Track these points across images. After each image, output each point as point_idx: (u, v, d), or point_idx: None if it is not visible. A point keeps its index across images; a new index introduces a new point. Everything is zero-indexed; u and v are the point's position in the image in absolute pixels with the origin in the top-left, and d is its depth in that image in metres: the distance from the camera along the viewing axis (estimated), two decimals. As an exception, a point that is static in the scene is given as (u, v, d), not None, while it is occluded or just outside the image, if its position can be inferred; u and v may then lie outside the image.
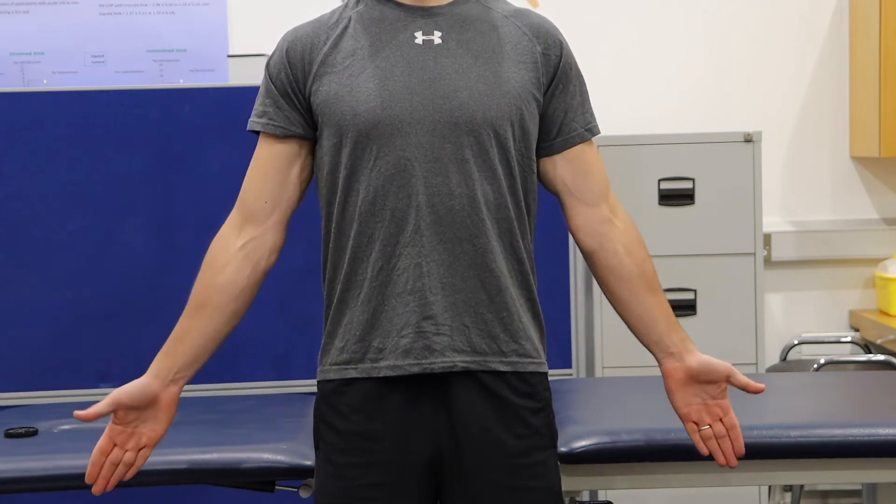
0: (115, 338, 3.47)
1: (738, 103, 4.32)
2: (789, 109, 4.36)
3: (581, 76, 2.15)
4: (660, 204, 3.87)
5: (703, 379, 2.17)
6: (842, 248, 4.34)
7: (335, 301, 2.08)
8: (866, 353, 4.19)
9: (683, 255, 3.87)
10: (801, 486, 4.07)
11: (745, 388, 2.18)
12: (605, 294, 2.22)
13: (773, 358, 4.30)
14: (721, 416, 2.19)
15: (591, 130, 2.15)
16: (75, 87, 3.69)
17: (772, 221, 4.29)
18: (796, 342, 4.30)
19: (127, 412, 2.12)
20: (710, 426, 2.19)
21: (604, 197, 2.17)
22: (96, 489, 2.13)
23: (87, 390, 3.44)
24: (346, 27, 2.08)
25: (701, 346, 3.88)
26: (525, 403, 2.08)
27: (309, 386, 2.91)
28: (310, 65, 2.07)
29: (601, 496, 3.02)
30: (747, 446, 2.43)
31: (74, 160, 3.46)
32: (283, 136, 2.10)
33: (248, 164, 2.18)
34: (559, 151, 2.13)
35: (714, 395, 2.18)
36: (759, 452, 2.43)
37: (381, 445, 2.05)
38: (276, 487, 2.49)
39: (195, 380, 3.43)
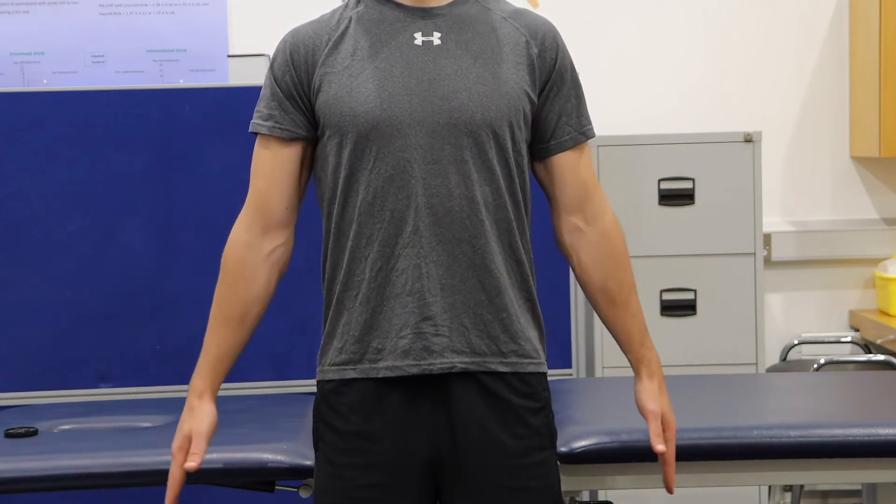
0: (115, 338, 3.47)
1: (737, 103, 4.32)
2: (789, 109, 4.36)
3: (577, 79, 2.15)
4: (660, 204, 3.87)
5: None
6: (842, 248, 4.34)
7: (334, 301, 2.08)
8: (866, 353, 4.19)
9: (683, 255, 3.87)
10: (801, 486, 4.07)
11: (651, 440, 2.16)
12: None
13: (773, 358, 4.30)
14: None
15: (585, 134, 2.15)
16: (75, 87, 3.69)
17: (772, 221, 4.29)
18: (796, 342, 4.30)
19: None
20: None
21: (578, 206, 2.15)
22: None
23: (87, 390, 3.44)
24: (346, 28, 2.08)
25: (701, 346, 3.91)
26: (524, 403, 2.08)
27: (309, 386, 2.91)
28: (312, 66, 2.07)
29: (601, 496, 3.02)
30: (748, 446, 2.43)
31: (74, 160, 3.46)
32: (289, 139, 2.10)
33: (248, 164, 2.17)
34: (548, 156, 2.13)
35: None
36: (759, 452, 2.43)
37: (381, 446, 2.05)
38: (276, 487, 2.50)
39: (195, 380, 3.45)
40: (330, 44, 2.07)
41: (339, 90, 2.04)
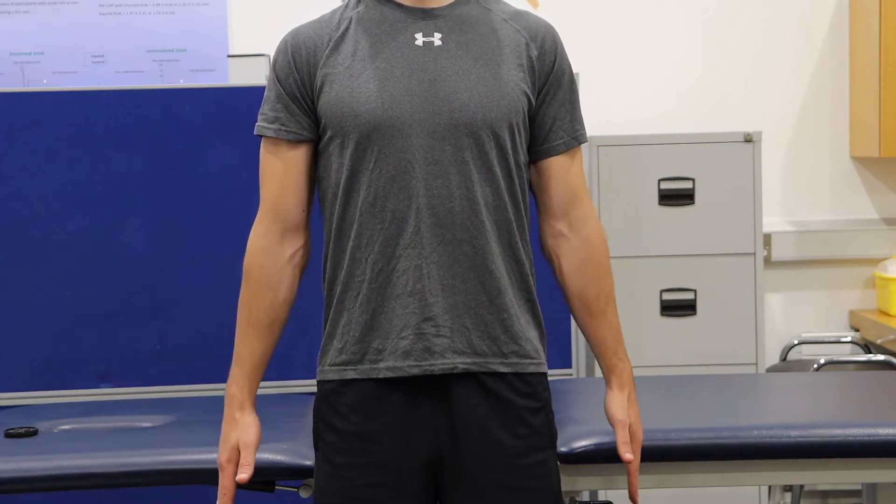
0: (115, 338, 3.47)
1: (737, 103, 4.32)
2: (789, 109, 4.36)
3: (574, 83, 2.15)
4: (660, 204, 3.87)
5: None
6: (842, 248, 4.34)
7: (334, 302, 2.08)
8: (866, 353, 4.19)
9: (683, 255, 3.87)
10: (801, 486, 4.07)
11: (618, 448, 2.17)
12: None
13: (773, 358, 4.30)
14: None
15: (577, 139, 2.14)
16: (75, 87, 3.69)
17: (772, 221, 4.29)
18: (796, 342, 4.30)
19: None
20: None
21: (564, 211, 2.15)
22: None
23: (87, 390, 3.44)
24: (346, 28, 2.08)
25: (701, 346, 3.91)
26: (525, 403, 2.08)
27: (309, 386, 2.91)
28: (314, 67, 2.07)
29: (601, 496, 3.02)
30: (748, 446, 2.43)
31: (74, 160, 3.46)
32: (296, 142, 2.09)
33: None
34: (539, 159, 2.13)
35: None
36: (759, 452, 2.43)
37: (381, 446, 2.05)
38: (276, 487, 2.49)
39: (195, 380, 3.47)
40: (331, 44, 2.07)
41: (341, 90, 2.04)
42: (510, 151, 2.06)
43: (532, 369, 2.09)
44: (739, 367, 3.85)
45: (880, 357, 3.94)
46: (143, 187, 3.48)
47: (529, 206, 2.13)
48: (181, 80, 4.08)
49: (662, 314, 3.87)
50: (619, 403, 2.18)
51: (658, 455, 2.40)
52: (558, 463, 2.18)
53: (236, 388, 2.13)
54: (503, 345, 2.06)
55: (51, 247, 3.46)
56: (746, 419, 2.54)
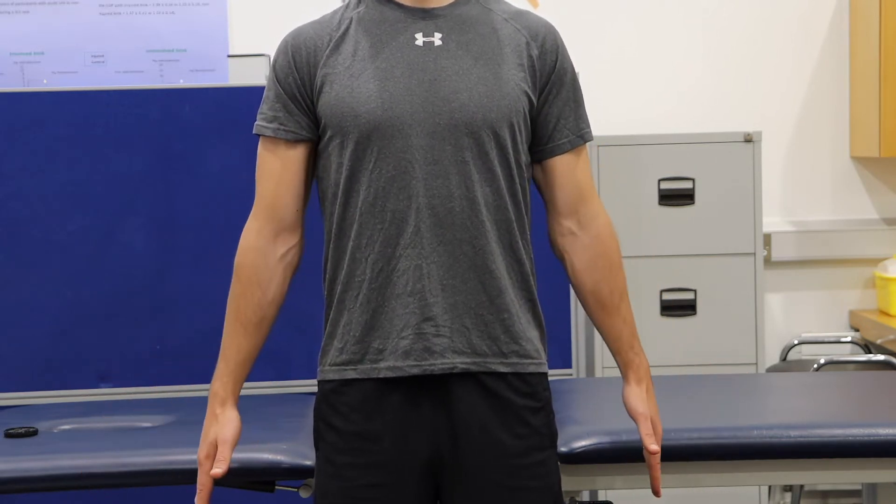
0: (115, 338, 3.47)
1: (737, 103, 4.32)
2: (789, 109, 4.36)
3: (577, 82, 2.15)
4: (660, 204, 3.87)
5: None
6: (842, 248, 4.34)
7: (335, 302, 2.08)
8: (866, 353, 4.19)
9: (683, 255, 3.87)
10: (801, 486, 4.07)
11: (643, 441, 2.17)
12: None
13: (773, 358, 4.30)
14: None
15: (582, 137, 2.14)
16: (75, 87, 3.69)
17: (772, 221, 4.29)
18: (796, 342, 4.30)
19: None
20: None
21: (573, 209, 2.15)
22: None
23: (87, 390, 3.45)
24: (347, 28, 2.08)
25: (701, 346, 3.91)
26: (525, 403, 2.08)
27: (309, 386, 2.91)
28: (314, 67, 2.07)
29: (601, 496, 3.02)
30: (748, 446, 2.43)
31: (74, 160, 3.46)
32: (294, 141, 2.09)
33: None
34: (545, 158, 2.13)
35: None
36: (759, 452, 2.43)
37: (381, 446, 2.05)
38: (276, 487, 2.50)
39: (195, 380, 3.46)
40: (331, 44, 2.07)
41: (341, 90, 2.04)
42: (510, 151, 2.06)
43: (532, 369, 2.09)
44: (739, 367, 3.85)
45: (880, 357, 3.94)
46: (143, 187, 3.48)
47: (530, 206, 2.13)
48: (181, 80, 4.08)
49: (662, 314, 3.87)
50: (638, 397, 2.18)
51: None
52: (558, 463, 2.18)
53: (219, 384, 2.13)
54: (503, 345, 2.06)
55: (51, 247, 3.46)
56: (746, 419, 2.54)
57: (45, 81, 4.06)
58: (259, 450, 2.44)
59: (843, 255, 4.35)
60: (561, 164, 2.13)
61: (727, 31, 4.33)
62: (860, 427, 2.44)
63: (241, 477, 2.43)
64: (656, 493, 2.20)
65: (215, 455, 2.11)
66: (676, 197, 3.86)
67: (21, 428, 2.69)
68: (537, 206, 2.17)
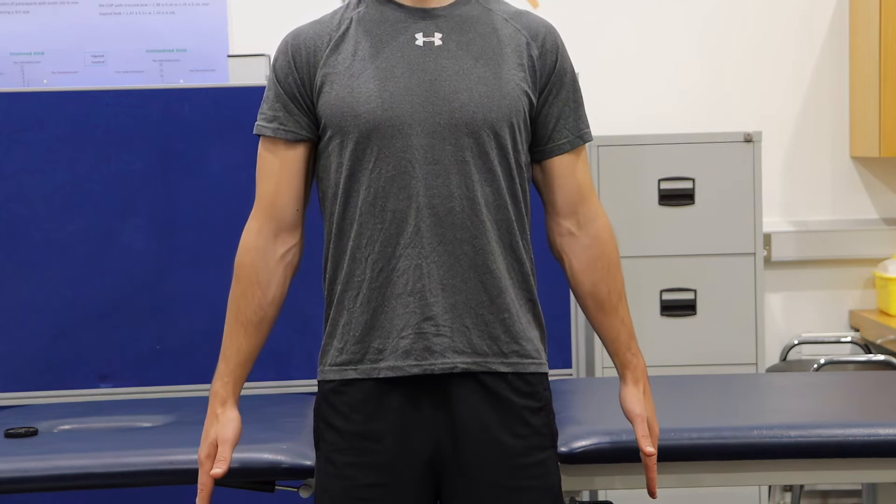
0: (115, 338, 3.47)
1: (737, 103, 4.32)
2: (789, 109, 4.36)
3: (576, 82, 2.15)
4: (660, 204, 3.87)
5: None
6: (842, 248, 4.35)
7: (335, 301, 2.08)
8: (866, 353, 4.19)
9: (683, 255, 3.87)
10: (801, 486, 4.07)
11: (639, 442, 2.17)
12: None
13: (773, 358, 4.30)
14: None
15: (582, 137, 2.14)
16: (75, 87, 3.68)
17: (772, 221, 4.29)
18: (796, 342, 4.31)
19: None
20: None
21: (572, 210, 2.15)
22: None
23: (87, 390, 3.44)
24: (347, 29, 2.08)
25: (701, 346, 3.91)
26: (525, 403, 2.08)
27: (309, 386, 2.91)
28: (314, 67, 2.07)
29: (601, 496, 3.02)
30: (748, 446, 2.43)
31: (74, 160, 3.46)
32: (294, 141, 2.09)
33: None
34: (544, 159, 2.13)
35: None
36: (759, 452, 2.43)
37: (382, 445, 2.05)
38: (276, 487, 2.49)
39: (195, 380, 3.46)
40: (331, 44, 2.07)
41: (341, 90, 2.04)
42: (510, 151, 2.06)
43: (532, 369, 2.09)
44: (739, 367, 3.85)
45: (880, 357, 3.94)
46: (143, 187, 3.48)
47: (530, 206, 2.13)
48: (181, 80, 4.08)
49: (662, 314, 3.87)
50: (635, 398, 2.18)
51: (658, 455, 2.39)
52: (558, 463, 2.18)
53: (220, 384, 2.13)
54: (503, 344, 2.06)
55: (51, 247, 3.46)
56: (746, 419, 2.54)
57: (45, 81, 4.06)
58: (259, 450, 2.44)
59: (843, 255, 4.35)
60: (560, 165, 2.13)
61: (727, 30, 4.33)
62: (860, 427, 2.44)
63: (241, 477, 2.43)
64: (652, 494, 2.20)
65: (216, 455, 2.11)
66: (676, 197, 3.86)
67: (21, 428, 2.69)
68: (537, 205, 2.17)
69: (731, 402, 2.77)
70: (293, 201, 2.11)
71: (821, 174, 4.38)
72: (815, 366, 3.93)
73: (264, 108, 2.11)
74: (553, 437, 2.14)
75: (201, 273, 3.46)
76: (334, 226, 2.08)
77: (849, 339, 4.27)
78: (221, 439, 2.11)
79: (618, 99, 4.27)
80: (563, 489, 2.16)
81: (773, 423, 2.48)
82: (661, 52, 4.32)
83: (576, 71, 2.17)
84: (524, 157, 2.10)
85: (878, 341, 4.11)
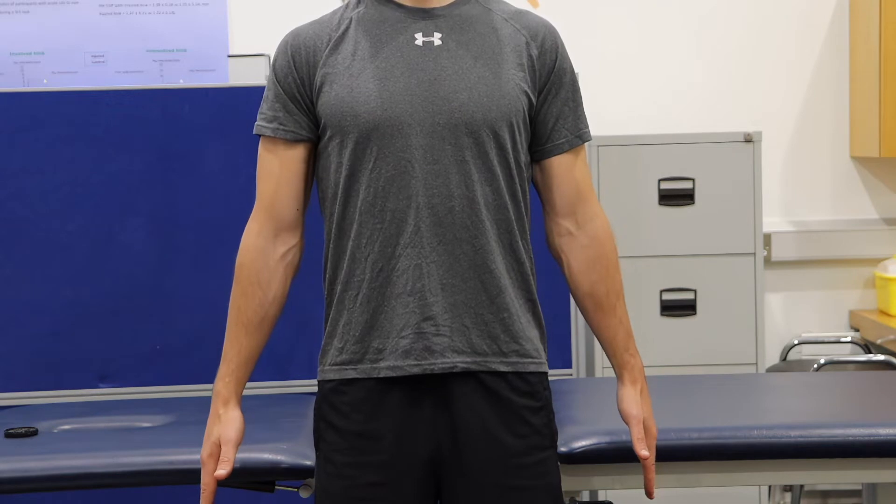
0: (116, 337, 3.47)
1: (737, 103, 4.32)
2: (789, 109, 4.36)
3: (576, 82, 2.15)
4: (660, 204, 3.87)
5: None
6: (842, 248, 4.35)
7: (335, 301, 2.09)
8: (866, 353, 4.19)
9: (683, 255, 3.87)
10: (801, 486, 4.07)
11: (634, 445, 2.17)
12: None
13: (773, 358, 4.30)
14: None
15: (581, 137, 2.14)
16: (75, 87, 3.68)
17: (772, 221, 4.29)
18: (796, 342, 4.31)
19: None
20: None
21: (571, 210, 2.15)
22: None
23: (87, 390, 3.44)
24: (346, 28, 2.08)
25: (701, 346, 3.91)
26: (525, 402, 2.08)
27: (309, 386, 2.91)
28: (314, 67, 2.07)
29: (601, 496, 3.02)
30: (748, 446, 2.43)
31: (74, 160, 3.46)
32: (294, 141, 2.09)
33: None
34: (543, 158, 2.13)
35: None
36: (759, 452, 2.43)
37: (382, 445, 2.05)
38: (276, 487, 2.49)
39: (195, 380, 3.47)
40: (331, 44, 2.07)
41: (340, 90, 2.04)
42: (510, 151, 2.06)
43: (532, 368, 2.09)
44: (739, 367, 3.85)
45: (880, 357, 3.94)
46: (143, 187, 3.47)
47: (530, 206, 2.13)
48: (181, 80, 4.08)
49: (662, 314, 3.87)
50: (631, 399, 2.18)
51: (658, 455, 2.38)
52: (558, 463, 2.18)
53: (222, 384, 2.13)
54: (503, 344, 2.06)
55: (51, 247, 3.45)
56: (746, 419, 2.54)
57: (45, 81, 4.06)
58: (259, 450, 2.44)
59: (843, 255, 4.35)
60: (559, 165, 2.13)
61: (727, 30, 4.33)
62: (860, 427, 2.44)
63: (241, 477, 2.43)
64: (649, 495, 2.21)
65: (218, 455, 2.11)
66: (676, 197, 3.86)
67: (21, 428, 2.69)
68: (537, 205, 2.17)
69: (731, 402, 2.77)
70: (293, 201, 2.11)
71: (821, 174, 4.38)
72: (815, 366, 3.93)
73: (264, 108, 2.11)
74: (553, 436, 2.14)
75: (201, 273, 3.46)
76: (334, 226, 2.08)
77: (849, 339, 4.27)
78: (225, 439, 2.11)
79: (618, 99, 4.27)
80: (563, 489, 2.16)
81: (773, 423, 2.48)
82: (660, 52, 4.32)
83: (575, 71, 2.17)
84: (524, 157, 2.10)
85: (878, 341, 4.11)
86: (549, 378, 2.15)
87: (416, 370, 2.03)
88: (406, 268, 2.03)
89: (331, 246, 2.09)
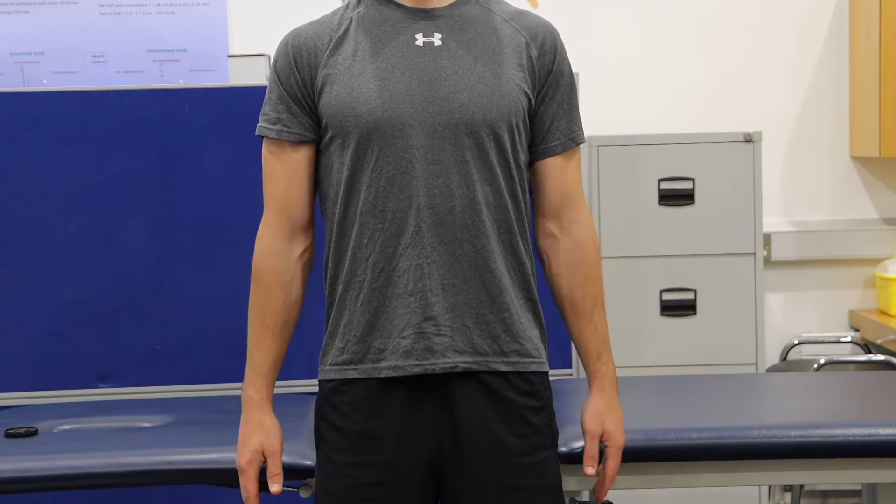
0: (116, 337, 3.47)
1: (737, 103, 4.32)
2: (789, 109, 4.36)
3: (573, 84, 2.15)
4: (660, 204, 3.87)
5: None
6: (842, 248, 4.34)
7: (336, 301, 2.09)
8: (866, 353, 4.19)
9: (683, 255, 3.87)
10: (801, 486, 4.07)
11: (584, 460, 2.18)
12: None
13: (773, 358, 4.30)
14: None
15: (574, 140, 2.14)
16: (75, 87, 3.68)
17: (772, 221, 4.29)
18: (796, 342, 4.30)
19: None
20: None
21: (556, 212, 2.15)
22: None
23: (87, 390, 3.44)
24: (347, 29, 2.08)
25: (701, 346, 3.90)
26: (526, 402, 2.08)
27: (309, 386, 2.91)
28: (315, 68, 2.07)
29: (601, 496, 3.01)
30: (748, 446, 2.43)
31: (74, 160, 3.46)
32: (298, 142, 2.09)
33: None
34: (536, 159, 2.13)
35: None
36: (759, 452, 2.43)
37: (382, 445, 2.05)
38: (276, 487, 2.49)
39: (195, 380, 3.47)
40: (331, 45, 2.07)
41: (341, 91, 2.04)
42: (510, 151, 2.06)
43: (533, 368, 2.09)
44: (739, 367, 3.85)
45: (880, 357, 3.94)
46: (143, 187, 3.48)
47: (529, 206, 2.14)
48: (181, 80, 4.08)
49: (662, 314, 3.87)
50: (594, 410, 2.18)
51: (658, 455, 2.40)
52: (559, 463, 2.18)
53: (253, 390, 2.13)
54: (504, 344, 2.06)
55: (51, 247, 3.45)
56: (746, 419, 2.54)
57: (45, 81, 4.06)
58: (259, 450, 2.43)
59: (843, 255, 4.35)
60: (550, 167, 2.13)
61: (727, 30, 4.33)
62: (860, 427, 2.44)
63: (241, 477, 2.42)
64: (597, 496, 2.21)
65: (259, 462, 2.11)
66: (676, 197, 3.86)
67: (21, 428, 2.69)
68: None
69: (731, 402, 2.77)
70: (304, 202, 2.12)
71: (821, 174, 4.38)
72: (815, 366, 3.93)
73: (267, 109, 2.11)
74: (553, 436, 2.14)
75: (201, 273, 3.46)
76: (335, 226, 2.08)
77: (849, 339, 4.27)
78: (270, 451, 2.12)
79: (618, 99, 4.27)
80: (563, 489, 2.16)
81: (773, 423, 2.47)
82: (660, 52, 4.32)
83: (575, 71, 2.17)
84: (523, 157, 2.11)
85: (878, 341, 4.11)
86: (550, 378, 2.15)
87: (417, 370, 2.03)
88: (407, 268, 2.03)
89: (332, 246, 2.10)
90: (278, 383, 3.40)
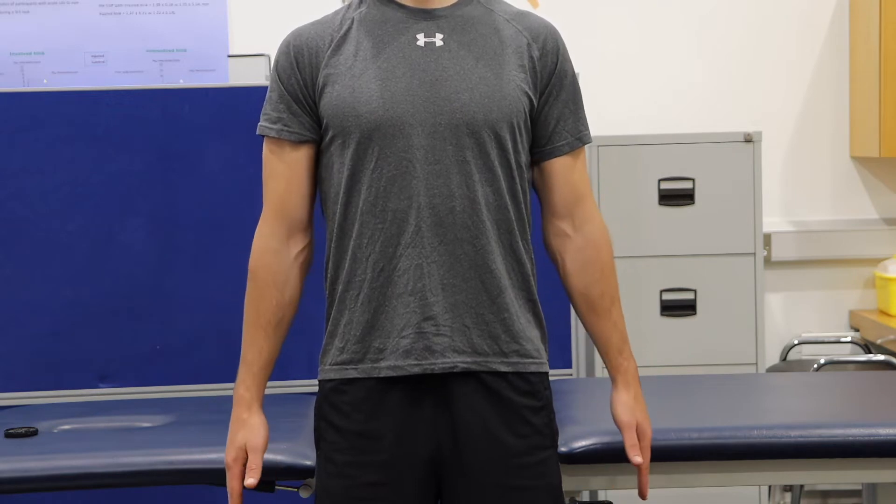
0: (116, 337, 3.47)
1: (737, 103, 4.32)
2: (789, 109, 4.36)
3: (576, 84, 2.15)
4: (660, 204, 3.87)
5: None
6: (842, 248, 4.34)
7: (336, 301, 2.09)
8: (866, 353, 4.19)
9: (683, 255, 3.87)
10: (801, 486, 4.07)
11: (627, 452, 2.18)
12: None
13: (773, 358, 4.30)
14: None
15: (581, 139, 2.15)
16: (75, 87, 3.68)
17: (772, 221, 4.29)
18: (796, 342, 4.31)
19: None
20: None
21: (568, 211, 2.15)
22: None
23: (87, 390, 3.44)
24: (348, 29, 2.08)
25: (701, 346, 3.91)
26: (526, 402, 2.08)
27: (309, 386, 2.91)
28: (316, 68, 2.07)
29: (601, 496, 3.02)
30: (748, 446, 2.43)
31: (74, 160, 3.46)
32: (298, 142, 2.09)
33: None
34: (543, 160, 2.13)
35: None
36: (759, 452, 2.43)
37: (382, 445, 2.05)
38: (276, 487, 2.49)
39: (195, 380, 3.47)
40: (332, 45, 2.07)
41: (342, 91, 2.04)
42: (511, 151, 2.06)
43: (533, 368, 2.09)
44: (739, 367, 3.85)
45: (880, 357, 3.94)
46: (143, 187, 3.47)
47: (531, 206, 2.14)
48: (181, 80, 4.08)
49: (662, 314, 3.87)
50: (624, 404, 2.18)
51: (658, 455, 2.39)
52: (559, 463, 2.18)
53: (244, 388, 2.13)
54: (504, 344, 2.06)
55: (51, 247, 3.45)
56: (746, 419, 2.54)
57: (45, 81, 4.06)
58: (259, 450, 2.43)
59: (843, 255, 4.35)
60: (558, 166, 2.13)
61: (727, 30, 4.33)
62: (860, 427, 2.44)
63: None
64: (643, 496, 2.21)
65: (244, 460, 2.11)
66: (676, 197, 3.86)
67: (21, 428, 2.69)
68: (537, 206, 2.17)
69: (731, 402, 2.77)
70: (303, 202, 2.12)
71: (821, 174, 4.38)
72: (815, 366, 3.93)
73: (267, 108, 2.11)
74: (554, 436, 2.14)
75: (201, 273, 3.46)
76: (336, 226, 2.08)
77: (849, 339, 4.27)
78: (252, 447, 2.12)
79: (618, 99, 4.27)
80: (563, 489, 2.16)
81: (773, 423, 2.48)
82: (660, 52, 4.32)
83: (576, 71, 2.17)
84: (524, 158, 2.11)
85: (878, 341, 4.11)
86: (550, 378, 2.15)
87: (416, 370, 2.03)
88: (407, 268, 2.03)
89: (332, 246, 2.10)
90: (279, 383, 3.43)
